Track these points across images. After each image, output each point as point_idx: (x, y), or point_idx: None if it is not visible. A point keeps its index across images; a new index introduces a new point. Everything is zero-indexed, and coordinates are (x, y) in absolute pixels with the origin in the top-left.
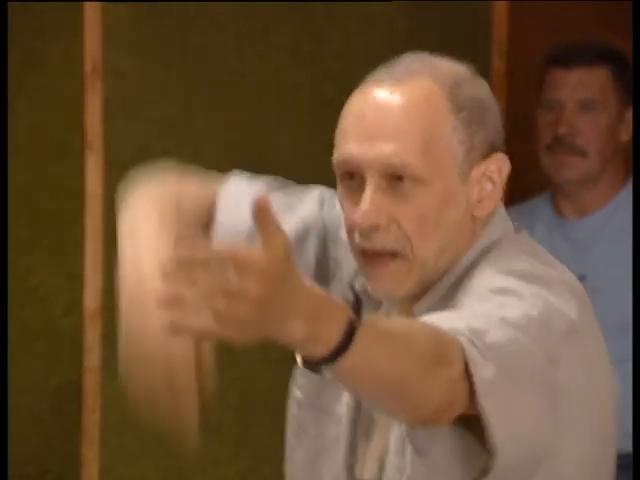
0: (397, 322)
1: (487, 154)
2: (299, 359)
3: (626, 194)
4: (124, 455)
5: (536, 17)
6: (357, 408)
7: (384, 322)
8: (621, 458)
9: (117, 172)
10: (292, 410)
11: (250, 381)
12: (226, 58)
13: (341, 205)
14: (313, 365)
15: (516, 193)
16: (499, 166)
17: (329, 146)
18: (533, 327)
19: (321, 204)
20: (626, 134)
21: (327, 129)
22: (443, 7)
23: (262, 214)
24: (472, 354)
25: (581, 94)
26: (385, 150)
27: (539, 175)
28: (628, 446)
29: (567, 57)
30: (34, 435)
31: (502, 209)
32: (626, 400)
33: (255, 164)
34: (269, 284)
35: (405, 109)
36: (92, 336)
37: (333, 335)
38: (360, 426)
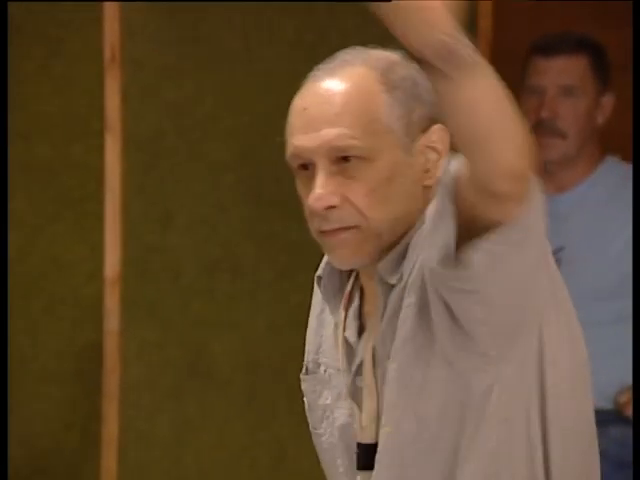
0: None
1: (427, 127)
2: None
3: (600, 172)
4: (142, 412)
5: (519, 11)
6: (352, 386)
7: None
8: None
9: (134, 151)
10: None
11: (256, 345)
12: (234, 47)
13: (300, 196)
14: None
15: None
16: (440, 136)
17: None
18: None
19: None
20: (601, 118)
21: None
22: None
23: None
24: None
25: (562, 81)
26: (329, 135)
27: None
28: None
29: (549, 46)
30: (59, 394)
31: None
32: (617, 359)
33: (258, 144)
34: None
35: (341, 95)
36: (111, 302)
37: None
38: (355, 400)
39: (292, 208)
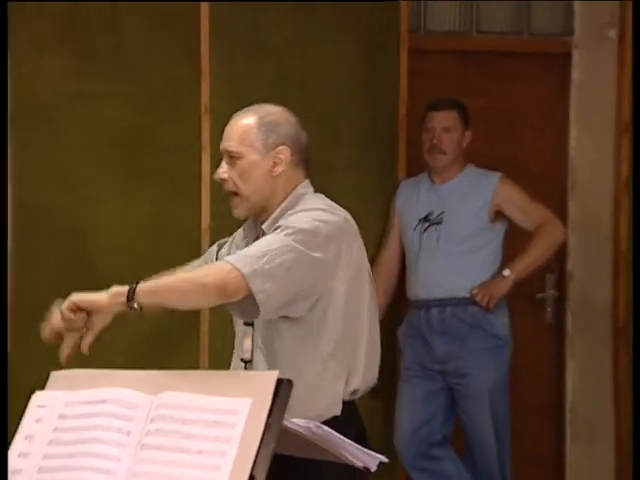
0: (166, 277)
1: (277, 146)
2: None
3: (464, 173)
4: None
5: (422, 86)
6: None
7: (156, 281)
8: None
9: (218, 161)
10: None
11: None
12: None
13: None
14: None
15: (414, 171)
16: (283, 152)
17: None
18: (299, 237)
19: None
20: (465, 144)
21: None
22: (373, 89)
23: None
24: (234, 259)
25: (444, 124)
26: (228, 144)
27: (425, 163)
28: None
29: (437, 105)
30: None
31: (308, 181)
32: (469, 273)
33: None
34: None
35: (237, 127)
36: (205, 242)
37: (124, 294)
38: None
39: None
